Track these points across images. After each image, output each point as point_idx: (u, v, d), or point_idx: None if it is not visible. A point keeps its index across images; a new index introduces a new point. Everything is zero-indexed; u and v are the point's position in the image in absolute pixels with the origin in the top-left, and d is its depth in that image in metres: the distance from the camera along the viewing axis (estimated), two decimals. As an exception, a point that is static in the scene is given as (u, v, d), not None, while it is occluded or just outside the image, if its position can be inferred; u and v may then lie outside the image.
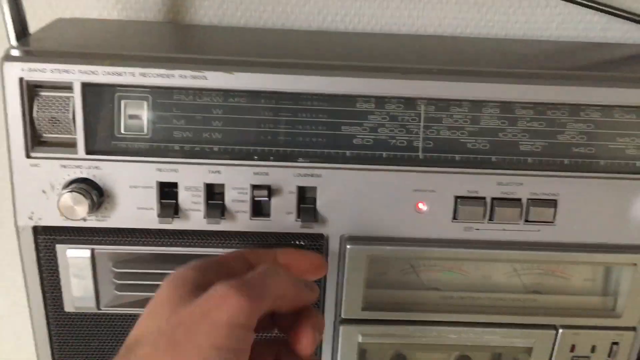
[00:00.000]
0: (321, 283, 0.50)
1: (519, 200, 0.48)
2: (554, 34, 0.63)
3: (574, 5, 0.61)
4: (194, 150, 0.46)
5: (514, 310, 0.52)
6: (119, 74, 0.44)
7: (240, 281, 0.36)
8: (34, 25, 0.51)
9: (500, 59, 0.58)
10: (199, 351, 0.33)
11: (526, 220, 0.48)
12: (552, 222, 0.48)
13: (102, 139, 0.45)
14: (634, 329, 0.52)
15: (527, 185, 0.47)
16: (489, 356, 0.54)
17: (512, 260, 0.51)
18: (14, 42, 0.47)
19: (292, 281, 0.39)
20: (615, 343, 0.52)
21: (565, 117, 0.47)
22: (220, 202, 0.47)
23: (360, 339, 0.51)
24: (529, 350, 0.52)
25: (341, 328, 0.51)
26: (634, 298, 0.51)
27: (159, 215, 0.47)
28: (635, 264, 0.50)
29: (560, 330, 0.52)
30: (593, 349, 0.52)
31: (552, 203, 0.48)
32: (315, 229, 0.48)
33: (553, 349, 0.52)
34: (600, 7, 0.60)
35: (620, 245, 0.49)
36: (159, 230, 0.48)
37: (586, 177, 0.47)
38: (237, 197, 0.47)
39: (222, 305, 0.34)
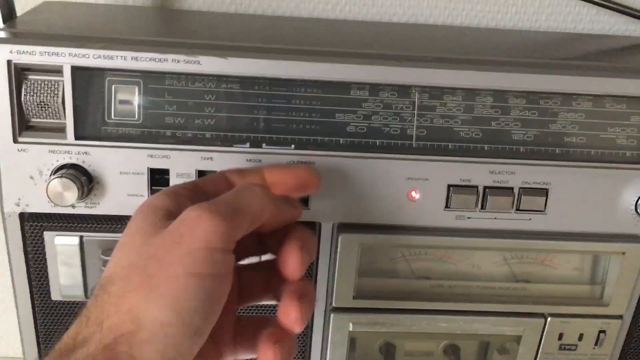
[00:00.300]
0: (312, 271, 0.50)
1: (511, 189, 0.48)
2: (543, 25, 0.64)
3: (564, -4, 0.62)
4: (186, 136, 0.45)
5: (503, 299, 0.52)
6: (110, 58, 0.43)
7: (212, 202, 0.33)
8: (18, 8, 0.50)
9: (492, 48, 0.58)
10: (176, 281, 0.31)
11: (517, 209, 0.48)
12: (543, 211, 0.48)
13: (92, 124, 0.44)
14: (620, 317, 0.53)
15: (519, 174, 0.47)
16: (477, 345, 0.55)
17: (503, 248, 0.51)
18: (0, 24, 0.46)
19: (269, 197, 0.36)
20: (602, 331, 0.53)
21: (557, 106, 0.47)
22: (212, 189, 0.46)
23: (351, 327, 0.51)
24: (518, 339, 0.53)
25: (332, 316, 0.51)
26: (621, 287, 0.52)
27: (150, 202, 0.46)
28: (624, 253, 0.50)
29: (549, 319, 0.52)
30: (580, 337, 0.53)
31: (544, 192, 0.48)
32: (307, 217, 0.47)
33: (541, 337, 0.53)
34: (589, -1, 0.61)
35: (610, 234, 0.50)
36: (150, 217, 0.47)
37: (577, 167, 0.48)
38: (229, 184, 0.46)
39: (194, 229, 0.32)
